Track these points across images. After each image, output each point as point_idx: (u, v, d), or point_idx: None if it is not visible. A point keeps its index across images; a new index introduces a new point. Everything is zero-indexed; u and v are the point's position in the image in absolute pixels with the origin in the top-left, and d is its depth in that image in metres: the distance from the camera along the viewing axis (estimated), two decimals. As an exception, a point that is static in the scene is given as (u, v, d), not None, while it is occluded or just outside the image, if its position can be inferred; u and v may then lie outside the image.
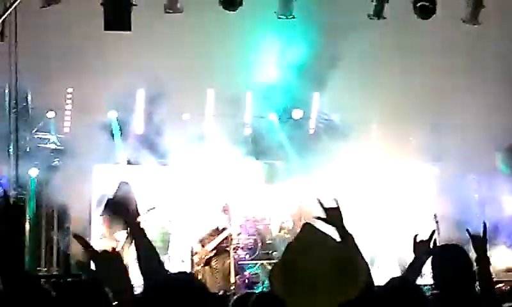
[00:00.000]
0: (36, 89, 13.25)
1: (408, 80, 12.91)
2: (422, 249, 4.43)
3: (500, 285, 11.80)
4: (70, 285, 3.47)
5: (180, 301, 2.66)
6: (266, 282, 13.14)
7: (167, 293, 2.68)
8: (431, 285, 5.20)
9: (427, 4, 11.45)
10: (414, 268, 4.44)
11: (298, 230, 2.67)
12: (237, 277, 13.32)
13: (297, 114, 15.45)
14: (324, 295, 2.58)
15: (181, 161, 14.08)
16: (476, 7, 11.70)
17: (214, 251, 13.02)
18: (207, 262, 13.05)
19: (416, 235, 4.46)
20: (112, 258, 3.00)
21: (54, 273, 13.02)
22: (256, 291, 10.79)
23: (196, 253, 13.38)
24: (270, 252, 14.77)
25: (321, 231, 2.78)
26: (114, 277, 2.98)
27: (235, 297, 4.35)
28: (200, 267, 13.09)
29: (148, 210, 12.39)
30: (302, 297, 2.59)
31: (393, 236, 13.65)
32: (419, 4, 11.51)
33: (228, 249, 12.95)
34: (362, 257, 2.96)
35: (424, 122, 13.99)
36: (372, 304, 3.78)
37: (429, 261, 4.71)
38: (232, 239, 12.97)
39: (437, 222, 13.14)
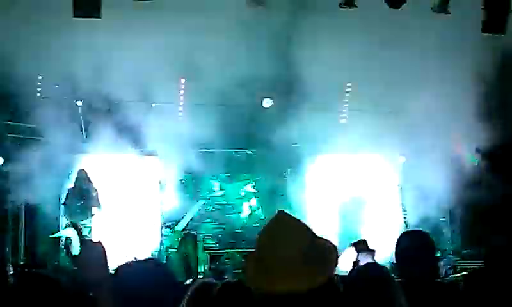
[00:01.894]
0: (4, 76, 13.05)
1: (378, 69, 12.94)
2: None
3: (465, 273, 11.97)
4: (28, 276, 3.40)
5: (147, 288, 2.66)
6: (234, 271, 13.18)
7: (134, 280, 2.68)
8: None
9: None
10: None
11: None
12: (205, 266, 13.37)
13: (267, 102, 15.44)
14: (294, 281, 2.57)
15: (154, 149, 14.02)
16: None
17: (184, 234, 13.08)
18: (178, 244, 13.11)
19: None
20: (97, 247, 3.03)
21: (20, 263, 12.86)
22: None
23: (166, 236, 13.42)
24: (240, 241, 14.79)
25: (294, 218, 2.78)
26: (95, 263, 3.02)
27: (196, 285, 4.32)
28: (170, 251, 13.14)
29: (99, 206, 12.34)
30: (271, 282, 2.59)
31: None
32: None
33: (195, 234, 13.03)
34: (333, 246, 2.94)
35: (391, 111, 14.03)
36: (343, 291, 3.79)
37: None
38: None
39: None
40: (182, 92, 14.88)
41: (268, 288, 2.60)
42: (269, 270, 2.60)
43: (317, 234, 2.81)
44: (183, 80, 14.78)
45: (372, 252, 3.88)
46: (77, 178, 12.91)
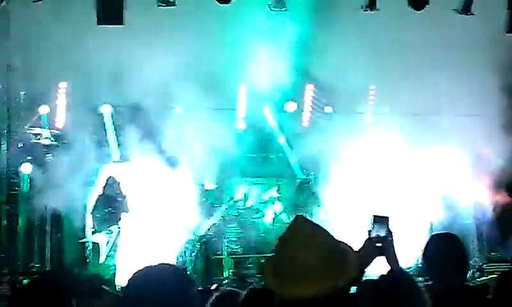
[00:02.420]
0: (29, 83, 13.18)
1: (401, 71, 12.88)
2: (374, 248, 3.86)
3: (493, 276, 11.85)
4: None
5: (163, 294, 2.63)
6: (258, 276, 13.16)
7: (148, 287, 2.65)
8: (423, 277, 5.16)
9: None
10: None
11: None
12: (230, 270, 13.39)
13: (290, 106, 15.44)
14: (313, 284, 2.57)
15: (179, 155, 14.06)
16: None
17: (205, 239, 13.13)
18: (200, 248, 13.17)
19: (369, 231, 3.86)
20: None
21: (47, 269, 12.97)
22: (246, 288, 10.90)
23: (189, 242, 13.46)
24: (263, 245, 14.77)
25: (312, 222, 2.78)
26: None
27: (220, 292, 4.31)
28: (194, 254, 13.20)
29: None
30: (292, 287, 2.59)
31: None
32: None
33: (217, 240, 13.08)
34: (353, 251, 2.93)
35: (416, 112, 13.95)
36: (364, 296, 3.77)
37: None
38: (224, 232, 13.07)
39: None
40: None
41: (288, 293, 2.60)
42: (289, 275, 2.59)
43: (336, 238, 2.80)
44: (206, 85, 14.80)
45: (386, 219, 3.78)
46: (105, 185, 12.99)
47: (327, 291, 2.57)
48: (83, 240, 13.04)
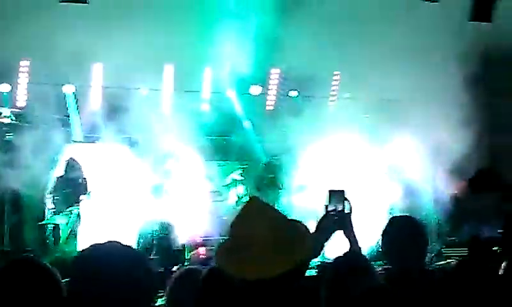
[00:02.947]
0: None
1: (365, 58, 12.95)
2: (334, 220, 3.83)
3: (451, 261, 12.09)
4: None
5: (108, 272, 2.57)
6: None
7: (93, 263, 2.59)
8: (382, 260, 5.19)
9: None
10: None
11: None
12: (191, 252, 13.39)
13: (255, 90, 15.44)
14: (266, 264, 2.57)
15: (138, 137, 13.98)
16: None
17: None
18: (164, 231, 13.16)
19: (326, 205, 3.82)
20: None
21: (5, 249, 12.80)
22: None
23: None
24: (226, 228, 14.77)
25: (266, 203, 2.79)
26: None
27: (180, 271, 4.32)
28: (158, 235, 13.20)
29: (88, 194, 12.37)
30: (245, 267, 2.59)
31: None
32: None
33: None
34: (306, 230, 2.94)
35: (382, 98, 14.06)
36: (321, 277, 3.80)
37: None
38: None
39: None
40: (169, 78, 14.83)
41: (239, 274, 2.60)
42: (240, 256, 2.59)
43: (291, 218, 2.80)
44: (170, 67, 14.73)
45: (342, 192, 3.80)
46: (66, 167, 12.84)
47: (279, 270, 2.58)
48: (43, 223, 12.87)
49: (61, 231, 12.17)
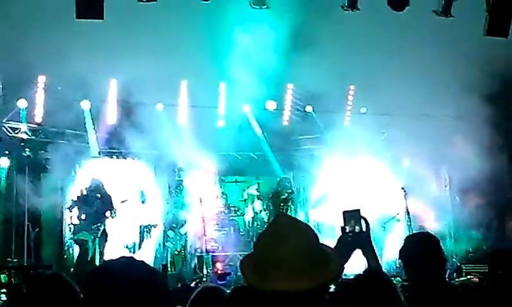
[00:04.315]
0: (7, 77, 13.06)
1: (381, 71, 12.94)
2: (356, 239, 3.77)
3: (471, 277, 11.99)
4: (37, 279, 3.38)
5: (121, 288, 2.58)
6: (238, 273, 13.17)
7: (106, 279, 2.60)
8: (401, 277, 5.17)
9: (400, -4, 11.47)
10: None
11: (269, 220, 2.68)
12: (209, 268, 13.39)
13: (271, 105, 15.47)
14: (291, 281, 2.59)
15: (155, 153, 14.05)
16: (449, -1, 11.74)
17: (186, 235, 13.12)
18: (181, 249, 13.15)
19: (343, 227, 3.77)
20: None
21: (25, 264, 12.86)
22: (227, 283, 10.93)
23: (170, 239, 13.45)
24: (243, 243, 14.78)
25: (294, 220, 2.80)
26: None
27: (200, 289, 4.32)
28: (176, 252, 13.21)
29: (122, 202, 12.43)
30: (269, 281, 2.60)
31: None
32: (393, -5, 11.52)
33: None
34: (335, 252, 2.96)
35: (399, 113, 14.05)
36: (343, 294, 3.79)
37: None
38: (205, 229, 13.05)
39: (406, 194, 13.34)
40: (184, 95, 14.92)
41: (265, 287, 2.62)
42: (267, 270, 2.61)
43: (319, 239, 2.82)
44: (185, 82, 14.82)
45: (357, 212, 3.78)
46: (89, 186, 12.86)
47: (303, 287, 2.59)
48: (71, 238, 12.93)
49: (88, 247, 12.19)
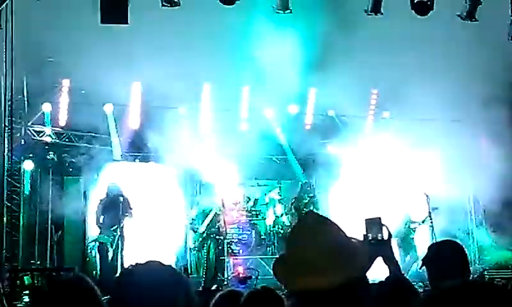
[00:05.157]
0: (32, 81, 13.18)
1: (403, 75, 12.87)
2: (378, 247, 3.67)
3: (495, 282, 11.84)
4: (60, 282, 3.41)
5: (152, 292, 2.61)
6: (259, 277, 13.16)
7: (133, 283, 2.63)
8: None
9: (424, 0, 11.41)
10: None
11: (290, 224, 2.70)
12: (230, 272, 13.39)
13: (293, 109, 15.46)
14: (321, 277, 2.61)
15: (176, 157, 14.08)
16: (473, 3, 11.65)
17: (206, 234, 13.07)
18: (201, 247, 13.12)
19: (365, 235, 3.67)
20: None
21: (48, 266, 12.97)
22: (248, 287, 10.92)
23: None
24: (264, 247, 14.79)
25: (322, 217, 2.83)
26: None
27: (219, 294, 4.32)
28: (194, 251, 13.20)
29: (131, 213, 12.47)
30: (300, 280, 2.64)
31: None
32: (416, 0, 11.47)
33: (220, 239, 13.04)
34: (363, 247, 2.99)
35: (421, 117, 13.97)
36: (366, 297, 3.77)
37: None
38: (226, 232, 13.05)
39: (428, 199, 13.25)
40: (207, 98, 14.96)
41: (296, 287, 2.65)
42: (297, 269, 2.63)
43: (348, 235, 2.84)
44: (208, 86, 14.85)
45: (378, 219, 3.78)
46: (108, 189, 12.94)
47: (335, 284, 2.61)
48: (89, 241, 13.03)
49: (107, 249, 12.27)
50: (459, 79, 12.84)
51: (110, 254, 12.17)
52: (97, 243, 12.49)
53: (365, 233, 3.75)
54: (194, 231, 13.31)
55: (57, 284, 3.37)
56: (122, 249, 12.31)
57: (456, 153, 13.70)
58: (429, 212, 13.49)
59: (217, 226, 13.19)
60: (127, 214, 12.47)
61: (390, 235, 3.75)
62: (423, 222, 13.79)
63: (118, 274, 2.77)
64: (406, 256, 13.61)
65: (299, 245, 2.70)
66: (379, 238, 3.72)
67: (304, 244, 2.68)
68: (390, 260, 3.82)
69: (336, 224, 2.81)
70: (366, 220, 3.77)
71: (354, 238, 2.86)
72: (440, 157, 13.87)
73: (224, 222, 13.20)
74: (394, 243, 12.68)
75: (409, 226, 13.83)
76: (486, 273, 13.24)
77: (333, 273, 2.61)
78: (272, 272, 2.85)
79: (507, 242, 14.49)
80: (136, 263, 2.75)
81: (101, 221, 12.39)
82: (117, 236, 12.23)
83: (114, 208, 12.39)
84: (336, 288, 2.61)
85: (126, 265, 11.64)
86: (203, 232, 13.09)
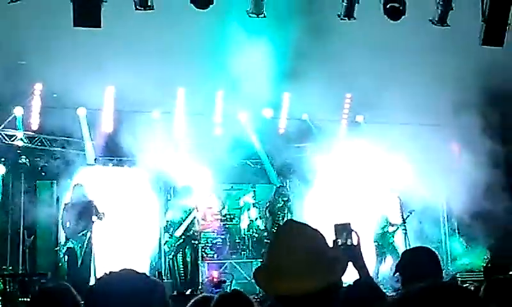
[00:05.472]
0: (4, 84, 13.05)
1: (376, 80, 12.97)
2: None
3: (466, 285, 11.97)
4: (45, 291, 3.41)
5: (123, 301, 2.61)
6: (234, 281, 13.16)
7: (109, 292, 2.63)
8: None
9: (396, 5, 11.50)
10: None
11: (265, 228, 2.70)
12: (205, 276, 13.38)
13: (267, 113, 15.49)
14: (300, 283, 2.66)
15: (150, 161, 14.03)
16: (445, 8, 11.77)
17: (182, 239, 13.04)
18: (177, 251, 13.09)
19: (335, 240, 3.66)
20: None
21: (20, 272, 12.83)
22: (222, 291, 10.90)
23: (165, 242, 13.40)
24: (239, 251, 14.79)
25: (302, 224, 2.88)
26: None
27: (193, 299, 4.33)
28: (171, 256, 13.16)
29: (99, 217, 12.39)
30: (278, 285, 2.68)
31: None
32: (389, 5, 11.55)
33: (195, 243, 13.03)
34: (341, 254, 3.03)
35: (393, 121, 14.08)
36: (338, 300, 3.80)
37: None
38: (201, 236, 13.05)
39: (401, 202, 13.35)
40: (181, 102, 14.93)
41: (275, 291, 2.72)
42: (277, 275, 2.69)
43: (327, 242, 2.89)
44: (182, 90, 14.83)
45: (347, 225, 3.81)
46: (72, 191, 12.86)
47: (313, 289, 2.67)
48: (58, 248, 12.91)
49: (76, 254, 12.17)
50: (430, 84, 12.97)
51: (79, 260, 12.08)
52: (65, 248, 12.40)
53: (334, 238, 3.79)
54: (169, 235, 13.27)
55: (42, 293, 3.36)
56: (91, 254, 12.23)
57: (427, 158, 13.84)
58: (403, 217, 13.61)
59: (192, 231, 13.18)
60: (95, 218, 12.39)
61: (359, 240, 3.79)
62: (401, 225, 13.91)
63: (90, 282, 2.76)
64: (382, 259, 13.70)
65: (279, 251, 2.75)
66: (349, 243, 3.75)
67: (284, 250, 2.73)
68: (359, 265, 3.86)
69: (316, 230, 2.84)
70: (335, 225, 3.81)
71: (333, 247, 2.90)
72: (411, 160, 14.00)
73: (198, 223, 13.21)
74: (371, 247, 12.81)
75: (387, 230, 13.92)
76: (458, 276, 13.38)
77: (312, 278, 2.66)
78: (252, 277, 2.90)
79: (479, 251, 14.63)
80: (110, 271, 2.75)
81: (68, 226, 12.30)
82: (86, 242, 12.15)
83: (82, 212, 12.31)
84: (314, 293, 2.65)
85: (97, 270, 11.64)
86: (179, 236, 13.06)
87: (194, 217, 13.18)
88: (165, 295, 2.80)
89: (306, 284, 2.66)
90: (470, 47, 12.10)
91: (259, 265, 2.95)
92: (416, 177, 14.02)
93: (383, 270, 13.45)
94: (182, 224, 13.10)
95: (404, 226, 13.89)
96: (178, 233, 13.07)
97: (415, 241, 13.65)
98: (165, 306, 2.76)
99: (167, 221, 13.52)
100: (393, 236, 13.92)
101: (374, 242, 13.75)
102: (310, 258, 2.71)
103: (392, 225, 13.98)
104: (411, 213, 14.00)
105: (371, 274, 4.28)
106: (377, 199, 14.41)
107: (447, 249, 15.12)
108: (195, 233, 13.21)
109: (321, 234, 2.86)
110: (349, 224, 3.79)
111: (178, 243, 13.07)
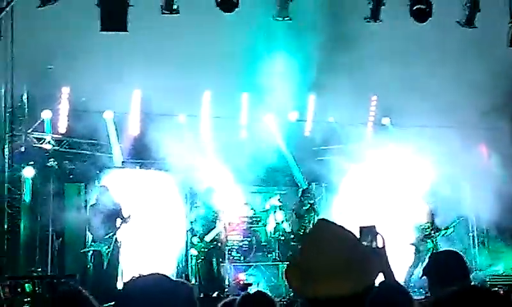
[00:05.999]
0: (32, 88, 13.22)
1: (402, 82, 12.89)
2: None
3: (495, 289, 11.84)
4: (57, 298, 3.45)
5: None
6: (260, 284, 13.15)
7: (137, 296, 2.65)
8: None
9: (423, 7, 11.45)
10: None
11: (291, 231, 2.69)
12: (231, 279, 13.39)
13: (293, 116, 15.48)
14: (336, 286, 2.62)
15: (176, 164, 14.08)
16: (472, 10, 11.69)
17: (212, 245, 13.07)
18: (205, 255, 13.11)
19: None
20: None
21: (49, 274, 12.94)
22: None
23: (194, 245, 13.40)
24: (265, 253, 14.78)
25: (335, 225, 2.83)
26: None
27: (223, 301, 4.34)
28: (198, 259, 13.18)
29: (125, 219, 12.45)
30: (315, 290, 2.65)
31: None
32: (415, 7, 11.51)
33: (221, 247, 13.05)
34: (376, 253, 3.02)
35: (421, 124, 13.98)
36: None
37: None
38: (227, 239, 13.04)
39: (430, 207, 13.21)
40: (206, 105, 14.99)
41: (312, 294, 2.65)
42: (310, 277, 2.64)
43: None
44: (207, 94, 14.88)
45: (373, 227, 3.79)
46: (98, 194, 12.95)
47: (348, 291, 2.62)
48: (84, 250, 13.02)
49: (102, 257, 12.26)
50: (458, 87, 12.86)
51: (105, 262, 12.17)
52: (91, 251, 12.50)
53: (359, 240, 3.78)
54: (199, 239, 13.27)
55: (54, 299, 3.40)
56: (118, 257, 12.31)
57: (454, 161, 13.70)
58: (435, 224, 13.41)
59: (220, 234, 13.21)
60: (122, 222, 12.46)
61: (384, 243, 3.78)
62: (446, 230, 13.68)
63: (117, 284, 2.79)
64: (419, 264, 13.49)
65: (313, 252, 2.71)
66: (374, 246, 3.74)
67: (318, 251, 2.69)
68: (384, 268, 3.84)
69: (350, 231, 2.82)
70: (361, 227, 3.79)
71: (366, 247, 2.87)
72: (439, 163, 13.90)
73: (225, 229, 13.23)
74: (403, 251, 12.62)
75: (424, 236, 13.63)
76: (488, 279, 13.22)
77: (349, 280, 2.62)
78: (284, 277, 2.89)
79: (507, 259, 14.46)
80: (139, 275, 2.77)
81: (94, 228, 12.39)
82: (112, 244, 12.23)
83: (108, 215, 12.40)
84: (348, 296, 2.62)
85: (124, 273, 11.69)
86: (209, 241, 13.08)
87: (223, 223, 13.22)
88: (193, 298, 2.81)
89: (343, 286, 2.62)
90: (497, 49, 12.00)
91: (288, 264, 2.89)
92: (443, 181, 13.92)
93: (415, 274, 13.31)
94: (211, 229, 13.11)
95: (447, 231, 13.66)
96: (209, 238, 13.09)
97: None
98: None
99: (191, 222, 13.55)
100: (433, 242, 13.67)
101: (412, 244, 13.55)
102: (346, 259, 2.67)
103: (435, 230, 13.75)
104: (459, 219, 13.81)
105: (403, 278, 4.29)
106: (403, 202, 14.30)
107: (473, 257, 14.94)
108: (222, 237, 13.25)
109: (354, 234, 2.84)
110: (374, 226, 3.77)
111: (207, 247, 13.09)
